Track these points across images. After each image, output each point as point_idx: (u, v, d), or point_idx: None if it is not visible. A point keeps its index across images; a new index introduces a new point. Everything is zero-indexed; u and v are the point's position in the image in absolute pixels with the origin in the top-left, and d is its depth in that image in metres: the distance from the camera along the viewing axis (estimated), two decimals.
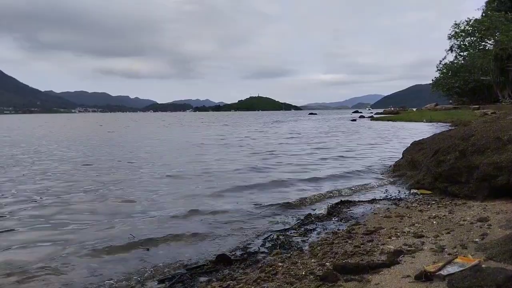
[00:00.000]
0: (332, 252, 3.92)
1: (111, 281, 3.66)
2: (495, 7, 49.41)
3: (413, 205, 5.93)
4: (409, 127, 31.64)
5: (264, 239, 4.77)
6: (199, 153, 14.74)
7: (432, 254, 3.57)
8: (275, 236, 4.81)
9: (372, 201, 6.52)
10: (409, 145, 9.89)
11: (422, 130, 25.36)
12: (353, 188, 7.78)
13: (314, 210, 6.08)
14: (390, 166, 9.70)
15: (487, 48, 47.06)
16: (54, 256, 4.23)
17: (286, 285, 3.21)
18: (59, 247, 4.53)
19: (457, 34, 49.36)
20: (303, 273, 3.39)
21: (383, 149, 15.15)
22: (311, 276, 3.29)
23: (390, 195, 6.93)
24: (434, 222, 4.80)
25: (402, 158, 9.41)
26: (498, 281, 2.49)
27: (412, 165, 8.19)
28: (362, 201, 6.53)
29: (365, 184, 8.15)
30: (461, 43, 50.19)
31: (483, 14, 51.31)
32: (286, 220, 5.62)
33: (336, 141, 20.11)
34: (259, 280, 3.35)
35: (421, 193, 6.71)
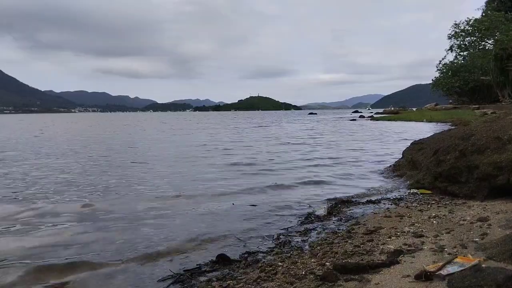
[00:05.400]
0: (332, 252, 3.92)
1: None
2: (495, 7, 49.35)
3: (413, 205, 5.93)
4: (409, 127, 31.64)
5: (264, 238, 4.78)
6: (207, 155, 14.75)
7: (432, 254, 3.56)
8: (275, 236, 4.82)
9: (372, 201, 6.51)
10: (409, 145, 9.89)
11: (422, 130, 25.36)
12: (353, 188, 7.77)
13: (314, 210, 6.07)
14: (390, 166, 9.70)
15: (487, 48, 47.02)
16: None
17: (286, 284, 3.21)
18: None
19: (457, 34, 49.30)
20: (303, 272, 3.39)
21: (383, 149, 15.15)
22: (311, 276, 3.29)
23: (390, 195, 6.92)
24: (434, 222, 4.80)
25: (402, 158, 9.41)
26: (498, 281, 2.48)
27: (412, 165, 8.19)
28: (362, 201, 6.53)
29: (365, 184, 8.14)
30: (461, 43, 50.12)
31: (483, 14, 51.27)
32: (286, 220, 5.61)
33: (336, 140, 20.11)
34: (259, 280, 3.35)
35: (421, 193, 6.71)
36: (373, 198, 6.69)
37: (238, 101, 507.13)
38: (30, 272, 3.87)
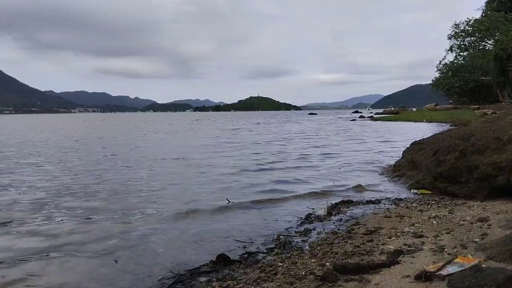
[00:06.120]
0: (332, 252, 3.92)
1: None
2: (495, 7, 49.40)
3: (413, 205, 5.93)
4: (409, 127, 31.63)
5: (264, 239, 4.77)
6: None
7: (432, 254, 3.56)
8: (275, 236, 4.81)
9: (372, 201, 6.51)
10: (409, 145, 9.89)
11: (422, 130, 25.35)
12: (353, 188, 7.77)
13: (314, 210, 6.07)
14: (390, 166, 9.70)
15: (487, 48, 47.05)
16: None
17: (286, 285, 3.20)
18: None
19: (457, 34, 49.36)
20: (303, 273, 3.39)
21: (383, 149, 15.15)
22: (311, 276, 3.29)
23: (390, 195, 6.92)
24: (434, 222, 4.80)
25: (402, 158, 9.40)
26: (498, 281, 2.48)
27: (412, 165, 8.19)
28: (362, 201, 6.52)
29: (365, 184, 8.14)
30: (461, 43, 50.18)
31: (483, 14, 51.31)
32: (285, 220, 5.61)
33: (336, 140, 20.11)
34: (259, 280, 3.35)
35: (421, 193, 6.71)
36: (373, 198, 6.69)
37: (238, 101, 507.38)
38: None
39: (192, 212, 6.06)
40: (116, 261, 4.12)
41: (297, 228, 5.18)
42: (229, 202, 6.54)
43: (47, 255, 4.33)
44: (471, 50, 50.13)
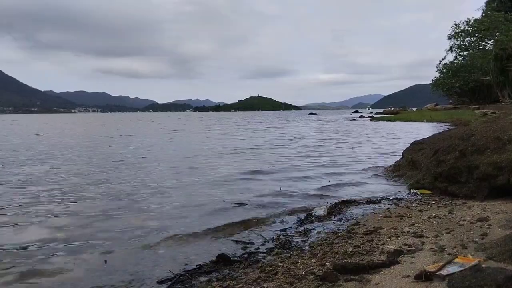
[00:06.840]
0: (332, 252, 3.91)
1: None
2: (495, 7, 49.40)
3: (413, 205, 5.93)
4: (409, 127, 31.63)
5: (264, 239, 4.77)
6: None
7: (432, 254, 3.56)
8: (275, 236, 4.81)
9: (372, 201, 6.51)
10: (409, 145, 9.88)
11: (422, 130, 25.35)
12: (353, 188, 7.77)
13: (314, 210, 6.06)
14: (390, 166, 9.69)
15: (487, 48, 47.04)
16: None
17: (286, 285, 3.20)
18: None
19: (457, 34, 49.34)
20: (303, 273, 3.39)
21: (382, 149, 15.15)
22: (311, 276, 3.29)
23: (390, 195, 6.92)
24: (434, 222, 4.79)
25: (402, 158, 9.40)
26: (498, 281, 2.48)
27: (412, 165, 8.19)
28: (362, 201, 6.52)
29: (365, 184, 8.14)
30: (461, 43, 50.15)
31: (483, 14, 51.32)
32: (286, 220, 5.61)
33: (336, 140, 20.11)
34: (259, 280, 3.35)
35: (421, 193, 6.70)
36: (373, 198, 6.69)
37: (238, 101, 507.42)
38: None
39: (192, 212, 6.06)
40: (105, 261, 4.11)
41: (297, 228, 5.18)
42: (224, 201, 6.58)
43: (46, 256, 4.34)
44: (471, 50, 50.12)
